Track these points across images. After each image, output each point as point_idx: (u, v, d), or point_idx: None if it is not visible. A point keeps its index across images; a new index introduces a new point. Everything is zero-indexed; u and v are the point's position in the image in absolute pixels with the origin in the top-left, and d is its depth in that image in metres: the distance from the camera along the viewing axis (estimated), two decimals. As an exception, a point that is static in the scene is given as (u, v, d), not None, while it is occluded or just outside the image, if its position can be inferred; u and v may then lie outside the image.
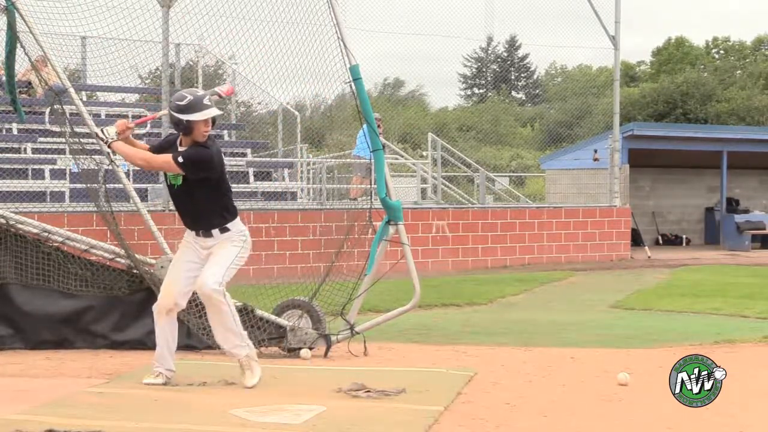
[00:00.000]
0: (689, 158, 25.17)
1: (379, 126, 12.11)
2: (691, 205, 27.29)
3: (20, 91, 12.84)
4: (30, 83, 15.75)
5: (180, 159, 6.67)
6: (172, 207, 15.21)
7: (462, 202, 20.04)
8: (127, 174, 13.96)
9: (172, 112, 6.70)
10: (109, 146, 6.79)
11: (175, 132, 6.86)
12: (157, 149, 6.96)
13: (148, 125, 16.58)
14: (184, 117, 6.63)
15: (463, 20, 28.30)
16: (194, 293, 7.02)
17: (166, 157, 6.73)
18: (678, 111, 45.40)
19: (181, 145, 6.82)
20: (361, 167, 17.07)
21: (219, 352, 8.05)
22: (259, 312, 8.22)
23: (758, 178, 28.35)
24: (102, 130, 6.78)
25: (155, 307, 6.96)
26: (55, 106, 8.81)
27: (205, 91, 7.05)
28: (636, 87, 52.03)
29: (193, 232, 6.92)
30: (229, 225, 6.88)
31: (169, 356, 6.91)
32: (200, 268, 6.87)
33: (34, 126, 15.96)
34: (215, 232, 6.84)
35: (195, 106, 6.65)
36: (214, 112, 6.73)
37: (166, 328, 6.91)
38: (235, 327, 6.92)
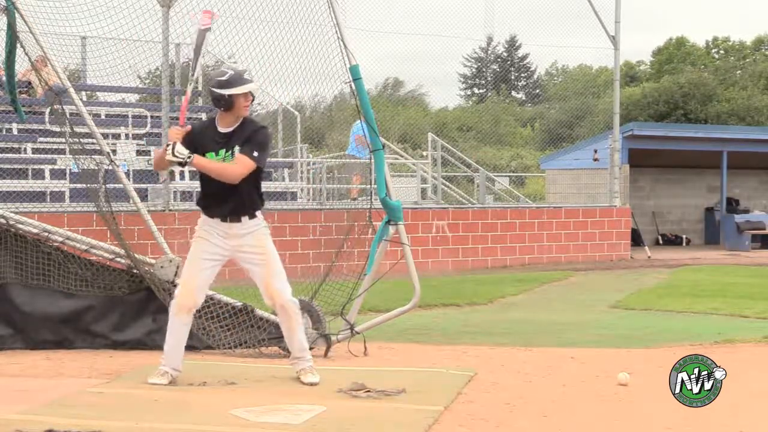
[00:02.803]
0: (689, 158, 25.17)
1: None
2: (691, 205, 27.29)
3: (20, 91, 12.84)
4: (30, 83, 15.76)
5: (255, 153, 6.66)
6: (173, 207, 15.21)
7: (462, 202, 20.03)
8: (127, 174, 13.98)
9: (213, 89, 6.72)
10: (188, 164, 6.67)
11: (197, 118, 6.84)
12: (197, 134, 6.78)
13: (148, 125, 16.61)
14: (226, 92, 6.63)
15: (463, 20, 28.32)
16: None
17: (243, 161, 6.64)
18: (679, 112, 45.40)
19: (220, 125, 6.77)
20: (357, 166, 17.05)
21: (219, 352, 8.07)
22: (259, 312, 8.22)
23: (758, 178, 28.34)
24: (174, 153, 6.59)
25: (173, 306, 6.83)
26: (55, 106, 8.81)
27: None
28: (637, 87, 52.03)
29: (217, 219, 6.77)
30: (257, 211, 6.86)
31: (178, 355, 6.84)
32: (220, 262, 6.82)
33: (34, 126, 15.97)
34: (245, 218, 6.77)
35: (236, 80, 6.68)
36: (253, 86, 6.78)
37: (181, 328, 6.82)
38: (303, 334, 7.04)
